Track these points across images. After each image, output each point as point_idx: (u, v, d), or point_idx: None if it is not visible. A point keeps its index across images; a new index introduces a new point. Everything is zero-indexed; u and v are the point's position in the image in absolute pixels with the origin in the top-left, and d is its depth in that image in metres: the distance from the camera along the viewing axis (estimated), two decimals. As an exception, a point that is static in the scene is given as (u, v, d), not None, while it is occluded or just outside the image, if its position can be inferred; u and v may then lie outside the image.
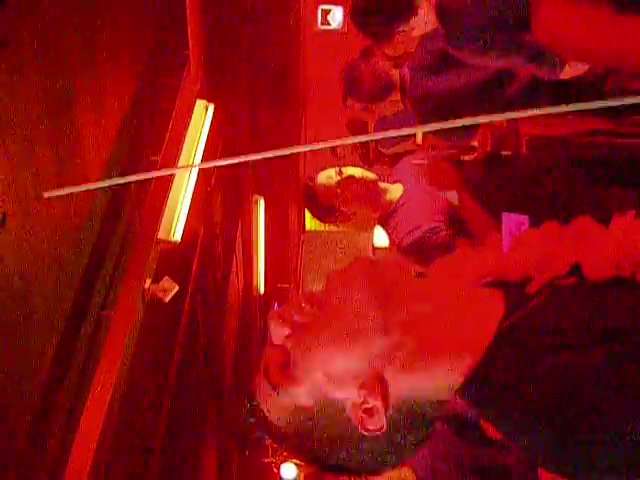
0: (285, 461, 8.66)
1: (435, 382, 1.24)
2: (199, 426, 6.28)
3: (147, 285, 3.79)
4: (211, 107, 4.64)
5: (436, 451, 2.63)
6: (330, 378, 1.24)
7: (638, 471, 1.05)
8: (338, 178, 3.48)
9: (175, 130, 4.23)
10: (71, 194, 2.99)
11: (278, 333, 1.30)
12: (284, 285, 10.21)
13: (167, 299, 3.87)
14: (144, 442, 4.38)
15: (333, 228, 12.22)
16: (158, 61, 4.45)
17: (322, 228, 11.86)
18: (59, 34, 2.91)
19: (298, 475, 8.81)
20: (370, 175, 3.55)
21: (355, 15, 3.33)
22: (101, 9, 3.42)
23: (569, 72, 2.93)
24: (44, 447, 2.97)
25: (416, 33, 3.17)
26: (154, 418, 4.51)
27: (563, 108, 1.13)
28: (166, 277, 3.87)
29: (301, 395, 1.26)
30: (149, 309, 3.95)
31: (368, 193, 3.48)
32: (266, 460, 8.68)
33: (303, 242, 11.78)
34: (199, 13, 4.69)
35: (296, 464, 8.76)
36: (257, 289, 8.52)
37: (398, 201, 3.48)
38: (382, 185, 3.55)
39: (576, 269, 1.26)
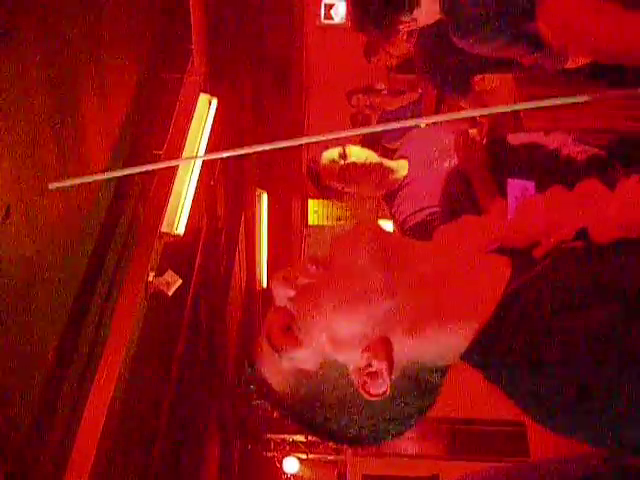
0: (287, 455, 8.67)
1: (440, 346, 1.22)
2: (201, 420, 6.29)
3: (150, 278, 3.80)
4: (214, 101, 4.64)
5: None
6: (334, 340, 1.23)
7: None
8: (342, 163, 3.46)
9: (178, 124, 4.24)
10: (75, 187, 3.01)
11: (281, 295, 1.28)
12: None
13: (170, 292, 3.88)
14: (147, 435, 4.39)
15: (336, 222, 12.20)
16: (161, 55, 4.46)
17: (325, 223, 11.86)
18: (62, 29, 2.92)
19: (300, 469, 8.83)
20: (373, 158, 3.53)
21: (355, 9, 3.23)
22: (105, 2, 3.42)
23: (575, 61, 2.92)
24: (47, 440, 2.98)
25: (419, 24, 3.14)
26: (157, 411, 4.52)
27: (557, 102, 1.13)
28: (169, 270, 3.88)
29: (303, 358, 1.24)
30: (152, 302, 3.96)
31: (372, 176, 3.47)
32: (268, 454, 8.69)
33: (306, 236, 11.78)
34: (202, 7, 4.69)
35: (298, 458, 8.78)
36: (260, 283, 8.52)
37: (403, 180, 3.47)
38: (386, 164, 3.53)
39: (582, 233, 1.24)
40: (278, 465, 8.85)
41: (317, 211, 11.83)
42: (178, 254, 4.54)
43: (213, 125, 4.57)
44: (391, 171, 3.49)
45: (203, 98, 4.57)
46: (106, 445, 3.30)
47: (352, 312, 1.22)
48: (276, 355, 1.27)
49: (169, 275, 3.86)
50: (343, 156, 3.43)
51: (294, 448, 8.79)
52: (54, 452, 3.02)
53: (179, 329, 4.86)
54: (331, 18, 9.56)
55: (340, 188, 3.46)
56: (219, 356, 6.60)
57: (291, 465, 8.63)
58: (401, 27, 2.98)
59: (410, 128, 3.81)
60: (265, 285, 8.63)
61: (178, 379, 4.76)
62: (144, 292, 3.75)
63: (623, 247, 1.20)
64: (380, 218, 10.10)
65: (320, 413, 1.27)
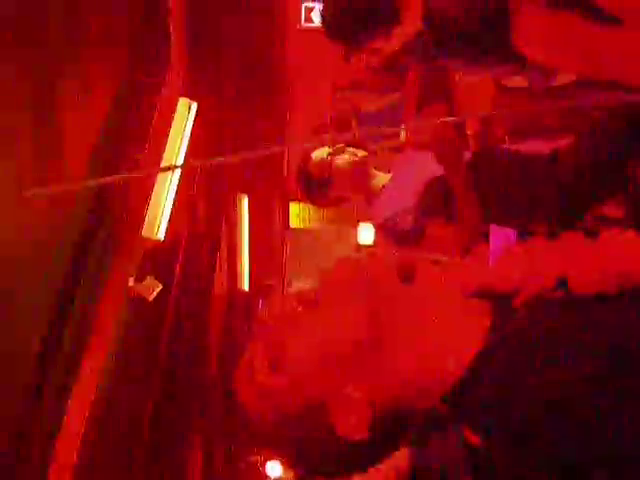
0: (270, 459, 8.65)
1: (420, 390, 1.23)
2: (184, 424, 6.27)
3: (131, 283, 3.78)
4: (194, 105, 4.63)
5: None
6: (317, 380, 1.24)
7: None
8: (330, 150, 3.51)
9: (158, 128, 4.22)
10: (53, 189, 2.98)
11: (267, 329, 1.29)
12: (269, 282, 10.20)
13: (151, 298, 3.86)
14: (128, 440, 4.37)
15: (317, 225, 12.22)
16: (141, 59, 4.44)
17: (306, 225, 11.86)
18: (41, 32, 2.90)
19: (283, 472, 8.81)
20: (361, 152, 3.57)
21: (326, 22, 3.11)
22: (84, 6, 3.40)
23: (562, 79, 2.93)
24: (26, 450, 2.95)
25: (394, 46, 3.10)
26: (138, 417, 4.50)
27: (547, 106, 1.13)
28: (149, 276, 3.87)
29: (286, 396, 1.25)
30: (133, 308, 3.94)
31: (357, 165, 3.50)
32: (251, 458, 8.67)
33: (287, 239, 11.77)
34: (182, 11, 4.68)
35: (281, 462, 8.75)
36: (241, 286, 8.50)
37: (383, 187, 3.50)
38: (372, 170, 3.56)
39: (563, 283, 1.26)
40: (261, 469, 8.83)
41: (299, 214, 11.83)
42: (159, 259, 4.52)
43: (193, 129, 4.56)
44: (373, 175, 3.52)
45: (183, 102, 4.56)
46: (87, 451, 3.28)
47: (333, 354, 1.23)
48: (258, 391, 1.28)
49: (150, 280, 3.85)
50: (333, 146, 3.47)
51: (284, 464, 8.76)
52: (33, 462, 2.99)
53: (160, 334, 4.84)
54: (312, 21, 9.55)
55: (328, 176, 3.48)
56: (201, 361, 6.58)
57: (274, 469, 8.60)
58: (375, 45, 2.96)
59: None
60: (247, 288, 8.61)
61: (159, 384, 4.74)
62: (124, 298, 3.73)
63: (602, 303, 1.22)
64: (361, 221, 10.13)
65: (299, 452, 1.29)
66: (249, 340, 1.32)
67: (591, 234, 1.32)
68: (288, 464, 1.32)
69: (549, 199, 3.12)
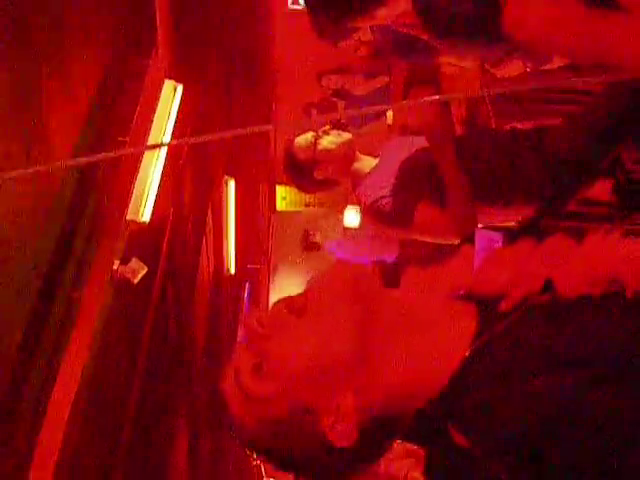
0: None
1: (409, 397, 1.25)
2: (170, 408, 6.27)
3: (116, 266, 3.77)
4: (180, 87, 4.61)
5: None
6: (305, 387, 1.25)
7: None
8: (315, 133, 3.51)
9: (143, 111, 4.20)
10: (38, 174, 2.97)
11: (252, 337, 1.30)
12: (255, 266, 10.21)
13: (136, 280, 3.85)
14: (113, 426, 4.37)
15: (304, 209, 12.23)
16: (126, 41, 4.41)
17: (293, 208, 11.86)
18: (24, 13, 2.87)
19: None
20: (346, 133, 3.58)
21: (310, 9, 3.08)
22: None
23: (557, 61, 2.93)
24: (11, 431, 2.95)
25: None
26: (124, 401, 4.50)
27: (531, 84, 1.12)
28: (134, 258, 3.85)
29: (273, 402, 1.26)
30: (118, 290, 3.93)
31: (343, 147, 3.51)
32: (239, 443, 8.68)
33: (273, 222, 11.78)
34: (168, -8, 4.65)
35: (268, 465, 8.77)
36: (228, 270, 8.51)
37: (370, 171, 3.51)
38: (357, 154, 3.57)
39: (549, 286, 1.27)
40: (249, 453, 8.85)
41: (285, 197, 11.84)
42: (144, 242, 4.51)
43: (179, 112, 4.54)
44: (358, 158, 3.52)
45: (168, 84, 4.54)
46: (72, 437, 3.27)
47: (321, 360, 1.25)
48: (244, 397, 1.28)
49: (135, 263, 3.84)
50: (317, 129, 3.48)
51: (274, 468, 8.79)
52: (18, 444, 2.99)
53: (146, 317, 4.83)
54: (299, 3, 9.52)
55: (314, 158, 3.48)
56: (187, 344, 6.58)
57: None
58: (360, 26, 2.95)
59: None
60: (233, 271, 8.61)
61: (145, 368, 4.74)
62: (109, 280, 3.72)
63: (587, 304, 1.24)
64: (347, 204, 10.14)
65: (286, 456, 1.30)
66: (236, 344, 1.33)
67: (577, 233, 1.32)
68: (276, 468, 1.33)
69: (535, 177, 3.13)
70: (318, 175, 3.53)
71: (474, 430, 1.16)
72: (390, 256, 9.20)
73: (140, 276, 3.88)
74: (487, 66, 3.31)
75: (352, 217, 10.14)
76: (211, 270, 7.91)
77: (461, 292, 1.36)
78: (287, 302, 1.30)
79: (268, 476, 9.09)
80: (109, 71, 4.07)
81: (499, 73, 3.32)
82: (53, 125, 3.22)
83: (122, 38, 4.34)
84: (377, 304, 1.27)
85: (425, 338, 1.26)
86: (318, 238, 11.73)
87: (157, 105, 4.32)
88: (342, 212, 10.50)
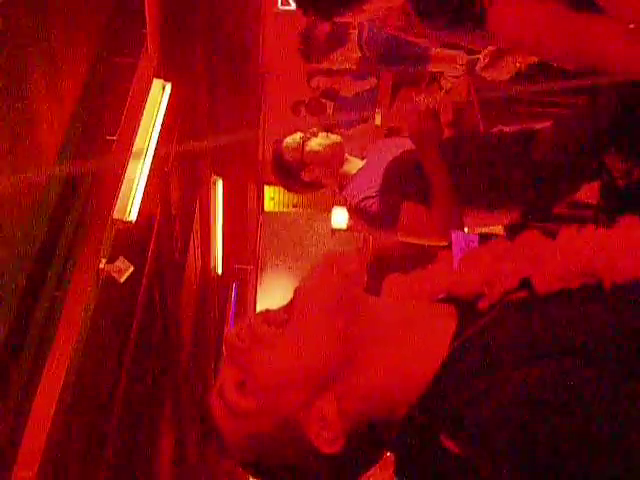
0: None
1: (392, 400, 1.24)
2: (156, 409, 6.26)
3: (102, 265, 3.76)
4: (168, 86, 4.60)
5: None
6: (288, 398, 1.24)
7: None
8: (303, 134, 3.51)
9: (132, 109, 4.19)
10: (24, 171, 2.96)
11: (235, 351, 1.29)
12: (242, 266, 10.20)
13: (122, 279, 3.84)
14: (98, 426, 4.36)
15: (292, 209, 12.21)
16: (115, 39, 4.40)
17: (281, 209, 11.86)
18: (10, 11, 2.86)
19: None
20: (334, 136, 3.58)
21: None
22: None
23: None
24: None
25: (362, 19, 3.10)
26: (109, 400, 4.49)
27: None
28: (121, 257, 3.84)
29: (258, 416, 1.25)
30: (104, 290, 3.92)
31: (331, 148, 3.50)
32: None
33: (262, 223, 11.77)
34: (157, -10, 4.64)
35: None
36: (215, 270, 8.50)
37: (357, 172, 3.51)
38: (346, 155, 3.57)
39: (526, 283, 1.28)
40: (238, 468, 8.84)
41: (273, 197, 11.83)
42: (131, 241, 4.50)
43: (167, 111, 4.53)
44: (346, 160, 3.52)
45: (157, 83, 4.53)
46: (56, 436, 3.26)
47: (305, 369, 1.24)
48: (230, 413, 1.28)
49: (121, 262, 3.82)
50: (306, 131, 3.48)
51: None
52: (2, 443, 2.98)
53: (132, 317, 4.82)
54: (288, 4, 9.52)
55: (302, 159, 3.48)
56: (174, 344, 6.57)
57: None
58: (350, 20, 2.95)
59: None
60: (220, 272, 8.60)
61: (131, 368, 4.73)
62: (95, 279, 3.71)
63: (565, 298, 1.24)
64: (335, 205, 10.14)
65: (274, 470, 1.29)
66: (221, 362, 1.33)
67: (550, 232, 1.33)
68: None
69: (520, 180, 3.13)
70: (305, 177, 3.53)
71: (461, 430, 1.15)
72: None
73: (126, 275, 3.87)
74: (477, 69, 3.32)
75: (340, 218, 10.14)
76: (198, 270, 7.90)
77: (441, 296, 1.37)
78: (265, 316, 1.30)
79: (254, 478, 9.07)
80: (97, 69, 4.06)
81: (489, 76, 3.33)
82: (40, 123, 3.20)
83: (110, 37, 4.33)
84: (359, 310, 1.27)
85: (405, 341, 1.26)
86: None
87: (145, 104, 4.31)
88: (330, 213, 10.50)
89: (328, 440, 1.23)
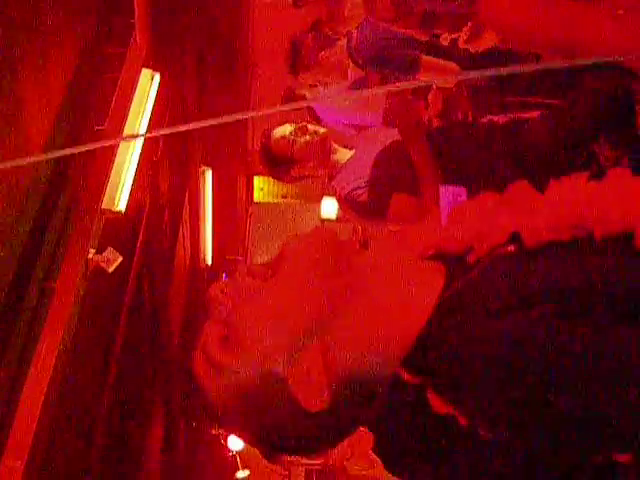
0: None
1: (379, 354, 1.21)
2: (145, 398, 6.26)
3: (90, 255, 3.75)
4: (157, 76, 4.59)
5: None
6: (272, 351, 1.21)
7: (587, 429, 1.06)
8: (292, 128, 3.51)
9: (120, 99, 4.18)
10: (12, 161, 2.95)
11: (218, 306, 1.26)
12: (232, 257, 10.19)
13: (110, 270, 3.83)
14: (88, 416, 4.36)
15: (281, 200, 12.20)
16: (103, 29, 4.39)
17: (270, 200, 11.85)
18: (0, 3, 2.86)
19: (245, 446, 8.83)
20: (322, 129, 3.59)
21: None
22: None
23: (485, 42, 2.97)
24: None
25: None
26: (99, 390, 4.49)
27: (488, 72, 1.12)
28: (110, 247, 3.84)
29: (241, 372, 1.21)
30: (93, 280, 3.92)
31: (319, 144, 3.51)
32: (213, 432, 8.69)
33: (251, 213, 11.76)
34: (146, -19, 4.63)
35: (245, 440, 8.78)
36: (204, 260, 8.48)
37: (346, 162, 3.52)
38: (334, 145, 3.58)
39: (515, 237, 1.25)
40: (223, 442, 8.86)
41: (263, 188, 11.81)
42: (120, 231, 4.49)
43: (156, 101, 4.52)
44: (335, 150, 3.53)
45: (146, 73, 4.51)
46: (46, 426, 3.26)
47: (290, 321, 1.21)
48: (214, 369, 1.24)
49: (110, 252, 3.82)
50: (296, 123, 3.48)
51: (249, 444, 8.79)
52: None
53: (121, 307, 4.81)
54: (278, -6, 9.50)
55: (290, 154, 3.49)
56: (163, 334, 6.57)
57: (236, 442, 8.62)
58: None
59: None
60: (210, 262, 8.59)
61: (120, 358, 4.73)
62: (84, 269, 3.70)
63: (555, 250, 1.22)
64: (325, 196, 10.13)
65: (260, 427, 1.25)
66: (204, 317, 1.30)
67: (539, 187, 1.31)
68: (252, 442, 1.30)
69: (509, 171, 3.14)
70: (295, 173, 3.55)
71: (449, 384, 1.13)
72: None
73: (115, 265, 3.86)
74: (461, 43, 3.32)
75: (329, 208, 10.13)
76: (188, 261, 7.89)
77: (430, 253, 1.33)
78: (250, 269, 1.27)
79: (243, 467, 9.10)
80: (86, 59, 4.05)
81: (473, 48, 3.34)
82: (28, 113, 3.20)
83: (99, 26, 4.32)
84: (346, 263, 1.25)
85: (392, 295, 1.23)
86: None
87: (134, 94, 4.30)
88: (319, 203, 10.49)
89: (313, 396, 1.20)
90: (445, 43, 3.53)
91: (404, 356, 1.19)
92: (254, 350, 1.21)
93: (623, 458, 1.07)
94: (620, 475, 1.08)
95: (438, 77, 3.83)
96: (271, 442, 1.27)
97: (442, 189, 2.53)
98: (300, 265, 1.24)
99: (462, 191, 2.48)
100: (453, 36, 3.42)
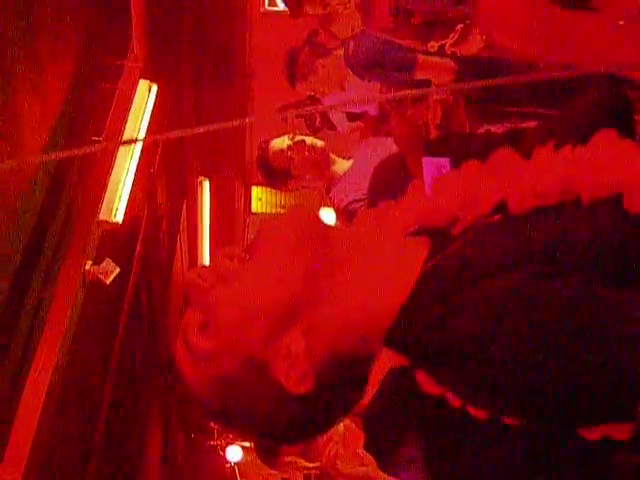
0: (230, 443, 8.65)
1: (361, 332, 1.18)
2: (143, 410, 6.24)
3: (88, 267, 3.74)
4: (154, 87, 4.58)
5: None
6: (251, 336, 1.17)
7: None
8: (290, 142, 3.52)
9: (117, 110, 4.18)
10: (10, 173, 2.95)
11: (196, 292, 1.23)
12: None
13: (108, 281, 3.83)
14: (85, 427, 4.34)
15: (280, 210, 12.21)
16: (101, 40, 4.39)
17: (269, 210, 11.84)
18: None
19: (243, 457, 8.81)
20: (320, 142, 3.60)
21: None
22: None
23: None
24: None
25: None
26: (97, 402, 4.47)
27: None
28: (107, 259, 3.83)
29: (222, 358, 1.19)
30: (90, 291, 3.91)
31: (317, 159, 3.52)
32: (211, 443, 8.67)
33: (249, 224, 11.74)
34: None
35: (241, 446, 8.75)
36: (202, 271, 8.46)
37: (345, 173, 3.53)
38: (332, 156, 3.59)
39: (501, 206, 1.23)
40: (221, 453, 8.83)
41: (261, 198, 11.80)
42: (117, 242, 4.48)
43: (153, 112, 4.52)
44: (333, 162, 3.54)
45: (143, 84, 4.51)
46: (43, 439, 3.25)
47: (268, 303, 1.18)
48: (194, 358, 1.21)
49: (107, 263, 3.81)
50: (293, 137, 3.49)
51: (237, 436, 8.76)
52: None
53: (119, 318, 4.80)
54: (275, 5, 9.50)
55: (287, 168, 3.51)
56: (160, 345, 6.56)
57: (234, 453, 8.59)
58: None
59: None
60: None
61: (118, 369, 4.71)
62: (81, 281, 3.69)
63: (542, 215, 1.19)
64: (323, 206, 10.13)
65: (246, 415, 1.22)
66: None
67: (524, 154, 1.29)
68: (241, 433, 1.28)
69: None
70: (293, 185, 3.58)
71: (434, 359, 1.11)
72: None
73: (113, 277, 3.86)
74: (449, 48, 3.33)
75: (327, 219, 10.13)
76: (185, 271, 7.88)
77: (414, 227, 1.30)
78: (228, 252, 1.24)
79: (242, 478, 9.06)
80: (83, 70, 4.04)
81: (460, 51, 3.34)
82: (25, 123, 3.19)
83: (97, 37, 4.32)
84: (324, 242, 1.21)
85: (374, 271, 1.20)
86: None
87: (131, 105, 4.29)
88: (317, 212, 10.51)
89: (297, 379, 1.16)
90: (433, 50, 3.54)
91: (386, 332, 1.17)
92: (233, 336, 1.18)
93: (621, 434, 1.03)
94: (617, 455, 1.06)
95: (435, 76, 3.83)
96: (260, 431, 1.26)
97: (425, 160, 2.47)
98: (276, 246, 1.21)
99: (446, 162, 2.42)
100: (440, 43, 3.44)
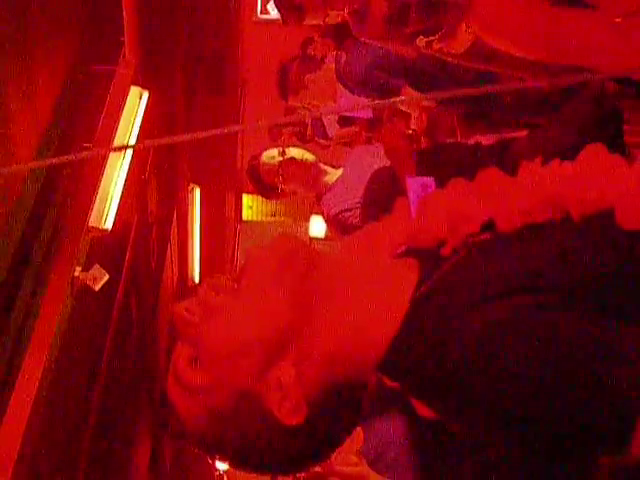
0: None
1: (352, 361, 1.17)
2: (131, 416, 6.23)
3: (77, 273, 3.73)
4: (145, 94, 4.58)
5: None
6: (241, 369, 1.17)
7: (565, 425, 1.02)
8: (280, 159, 3.54)
9: (108, 117, 4.17)
10: (0, 178, 2.94)
11: (185, 326, 1.22)
12: (220, 275, 10.14)
13: (97, 288, 3.82)
14: (73, 435, 4.33)
15: (270, 218, 12.21)
16: (92, 46, 4.39)
17: (259, 218, 11.84)
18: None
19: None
20: (310, 157, 3.61)
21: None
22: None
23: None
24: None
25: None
26: (84, 409, 4.46)
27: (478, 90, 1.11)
28: (96, 265, 3.82)
29: (215, 392, 1.18)
30: (79, 298, 3.90)
31: (307, 174, 3.55)
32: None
33: (240, 232, 11.74)
34: (135, -1, 4.63)
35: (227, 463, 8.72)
36: (192, 279, 8.46)
37: (335, 182, 3.54)
38: (322, 167, 3.61)
39: (488, 225, 1.22)
40: (210, 462, 8.80)
41: (252, 206, 11.80)
42: (107, 249, 4.47)
43: (144, 119, 4.51)
44: (325, 173, 3.56)
45: (134, 91, 4.50)
46: (30, 446, 3.24)
47: (257, 333, 1.17)
48: (186, 393, 1.20)
49: (96, 270, 3.80)
50: (282, 153, 3.51)
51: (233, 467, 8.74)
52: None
53: (108, 325, 4.79)
54: (268, 12, 9.51)
55: (278, 184, 3.53)
56: (150, 353, 6.54)
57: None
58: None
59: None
60: (198, 281, 8.57)
61: (106, 375, 4.70)
62: (70, 287, 3.68)
63: (531, 233, 1.17)
64: (313, 214, 10.14)
65: (240, 448, 1.21)
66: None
67: (510, 171, 1.28)
68: (234, 464, 1.26)
69: None
70: (283, 197, 3.62)
71: (427, 387, 1.10)
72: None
73: (102, 283, 3.84)
74: (435, 44, 3.32)
75: (318, 227, 10.12)
76: (175, 278, 7.87)
77: (401, 249, 1.29)
78: (214, 284, 1.23)
79: (231, 484, 9.02)
80: (74, 77, 4.04)
81: (446, 48, 3.34)
82: (15, 130, 3.19)
83: (88, 44, 4.32)
84: (311, 270, 1.20)
85: (364, 299, 1.18)
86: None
87: (122, 112, 4.29)
88: (308, 222, 10.49)
89: (289, 410, 1.16)
90: (421, 44, 3.54)
91: (378, 362, 1.16)
92: (223, 370, 1.18)
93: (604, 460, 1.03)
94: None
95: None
96: (255, 464, 1.24)
97: (409, 180, 2.45)
98: (262, 277, 1.20)
99: (430, 182, 2.40)
100: (428, 39, 3.44)
